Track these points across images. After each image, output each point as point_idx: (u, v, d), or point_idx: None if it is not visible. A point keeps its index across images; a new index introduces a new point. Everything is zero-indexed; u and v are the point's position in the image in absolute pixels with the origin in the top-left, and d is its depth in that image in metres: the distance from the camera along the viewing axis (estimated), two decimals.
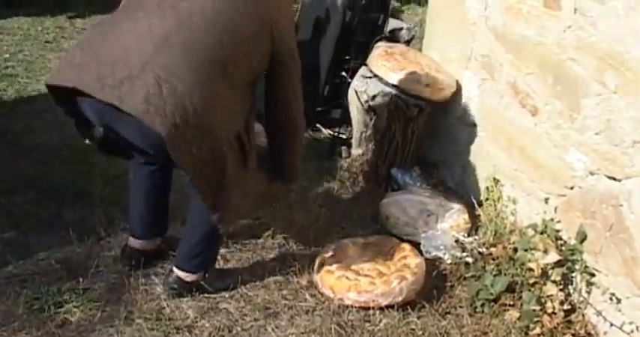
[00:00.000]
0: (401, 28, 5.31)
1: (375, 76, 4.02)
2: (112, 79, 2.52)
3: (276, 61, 2.85)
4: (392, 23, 5.17)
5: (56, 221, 3.67)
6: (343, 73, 4.60)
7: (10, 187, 3.93)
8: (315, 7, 4.63)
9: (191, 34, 2.60)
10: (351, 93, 4.17)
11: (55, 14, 6.58)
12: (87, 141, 2.90)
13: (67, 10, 6.66)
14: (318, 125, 4.78)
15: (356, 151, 4.27)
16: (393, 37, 5.03)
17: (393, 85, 3.95)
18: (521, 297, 3.15)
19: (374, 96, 4.00)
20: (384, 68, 4.00)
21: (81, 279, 3.22)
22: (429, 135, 4.31)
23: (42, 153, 4.31)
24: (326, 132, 4.74)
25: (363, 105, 4.07)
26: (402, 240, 3.54)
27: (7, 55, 5.67)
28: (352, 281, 3.18)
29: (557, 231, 3.26)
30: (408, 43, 5.11)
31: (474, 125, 4.02)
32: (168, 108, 2.49)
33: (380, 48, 4.18)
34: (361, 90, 4.06)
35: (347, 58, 4.61)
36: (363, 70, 4.16)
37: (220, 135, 2.64)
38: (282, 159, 3.11)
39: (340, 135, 4.60)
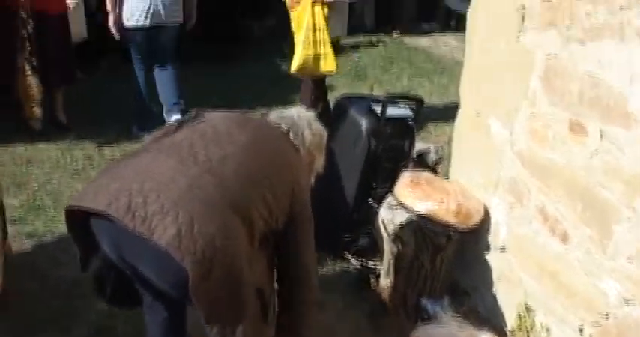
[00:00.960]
0: (428, 151, 5.30)
1: (402, 205, 3.97)
2: (143, 210, 2.49)
3: (292, 217, 2.90)
4: (418, 146, 5.17)
5: None
6: (370, 201, 4.56)
7: (35, 324, 3.89)
8: (339, 135, 4.64)
9: (222, 181, 2.63)
10: (378, 222, 4.12)
11: (85, 143, 6.66)
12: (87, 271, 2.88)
13: (96, 138, 6.75)
14: (345, 254, 4.70)
15: (384, 281, 4.18)
16: (421, 160, 5.02)
17: (420, 215, 3.89)
18: None
19: (401, 226, 3.94)
20: (411, 197, 3.95)
21: None
22: (458, 262, 4.21)
23: (67, 286, 4.28)
24: (354, 261, 4.65)
25: (390, 235, 4.00)
26: None
27: (36, 187, 5.71)
28: None
29: None
30: (436, 164, 5.09)
31: (504, 251, 3.92)
32: (198, 247, 2.45)
33: (406, 177, 4.15)
34: (388, 219, 4.00)
35: (374, 185, 4.58)
36: (389, 199, 4.12)
37: (244, 282, 2.59)
38: (296, 312, 3.05)
39: (368, 265, 4.51)
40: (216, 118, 2.97)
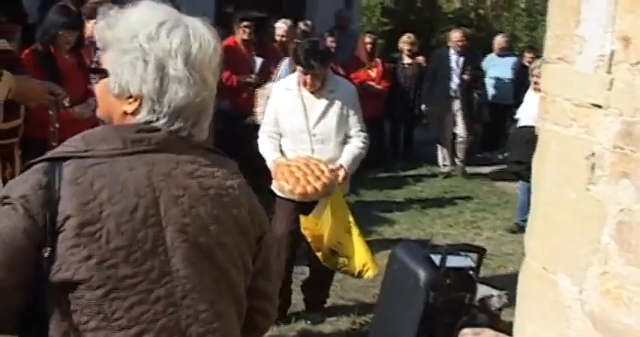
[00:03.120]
0: (491, 296, 4.99)
1: None
2: None
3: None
4: (480, 290, 4.86)
5: None
6: None
7: None
8: (393, 288, 4.37)
9: None
10: None
11: None
12: None
13: None
14: None
15: None
16: (483, 305, 4.71)
17: None
18: None
19: None
20: None
21: None
22: None
23: None
24: None
25: None
26: None
27: None
28: None
29: None
30: (499, 310, 4.77)
31: None
32: None
33: (465, 335, 3.82)
34: None
35: None
36: None
37: None
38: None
39: None
40: None
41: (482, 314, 5.24)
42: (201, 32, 2.10)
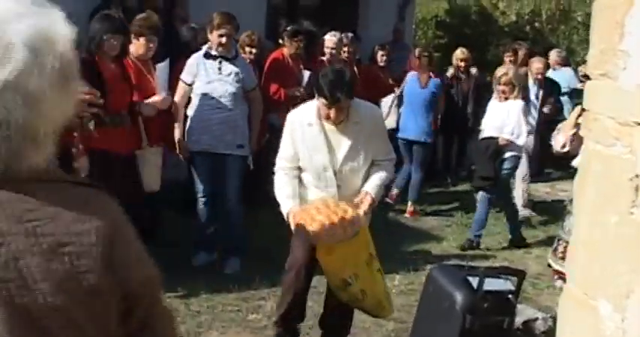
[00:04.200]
0: (536, 319, 4.81)
1: None
2: None
3: None
4: (525, 312, 4.69)
5: None
6: None
7: None
8: (427, 311, 4.22)
9: None
10: None
11: (174, 290, 6.25)
12: None
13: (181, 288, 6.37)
14: None
15: None
16: (527, 329, 4.53)
17: None
18: None
19: None
20: None
21: None
22: None
23: None
24: None
25: None
26: None
27: None
28: None
29: None
30: (543, 334, 4.59)
31: None
32: None
33: None
34: None
35: None
36: None
37: None
38: None
39: None
40: None
41: None
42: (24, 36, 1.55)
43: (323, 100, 4.72)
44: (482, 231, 8.13)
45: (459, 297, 3.99)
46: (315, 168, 4.97)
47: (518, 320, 4.96)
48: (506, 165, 7.96)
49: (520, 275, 4.08)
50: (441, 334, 4.08)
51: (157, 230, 7.07)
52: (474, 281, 4.02)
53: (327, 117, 4.79)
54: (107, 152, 6.13)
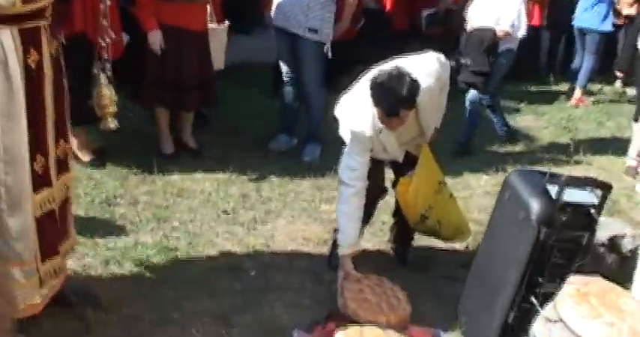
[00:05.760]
0: (624, 235, 4.43)
1: (562, 321, 3.13)
2: None
3: None
4: (612, 226, 4.30)
5: None
6: (533, 299, 3.73)
7: None
8: (503, 217, 3.88)
9: None
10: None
11: (244, 178, 6.10)
12: None
13: (257, 171, 6.22)
14: None
15: None
16: (612, 245, 4.17)
17: None
18: None
19: None
20: (573, 313, 3.09)
21: None
22: None
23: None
24: None
25: None
26: None
27: (177, 224, 5.21)
28: None
29: None
30: (631, 253, 4.23)
31: None
32: None
33: (573, 282, 3.30)
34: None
35: (539, 280, 3.75)
36: (547, 311, 3.28)
37: None
38: None
39: None
40: None
41: (612, 255, 4.68)
42: None
43: (381, 111, 4.19)
44: (470, 135, 7.39)
45: (535, 207, 3.61)
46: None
47: (604, 235, 4.58)
48: (502, 60, 7.11)
49: (605, 188, 3.65)
50: (513, 244, 3.73)
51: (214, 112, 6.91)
52: (554, 190, 3.63)
53: (385, 124, 4.26)
54: (179, 28, 5.93)
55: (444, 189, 4.65)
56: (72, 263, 4.35)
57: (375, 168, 4.53)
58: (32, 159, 3.42)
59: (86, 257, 4.58)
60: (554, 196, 3.62)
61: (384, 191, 4.84)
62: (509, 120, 7.93)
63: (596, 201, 3.65)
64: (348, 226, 4.41)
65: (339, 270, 4.44)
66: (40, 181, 3.50)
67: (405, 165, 4.64)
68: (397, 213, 4.93)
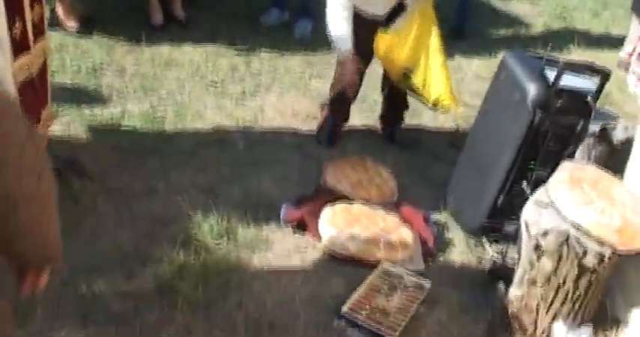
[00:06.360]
0: (615, 126, 4.38)
1: (552, 205, 3.12)
2: None
3: None
4: (605, 116, 4.25)
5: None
6: (524, 185, 3.73)
7: (89, 267, 3.38)
8: (497, 98, 3.81)
9: None
10: (522, 220, 3.30)
11: (232, 49, 5.94)
12: None
13: (248, 43, 6.05)
14: (484, 240, 3.94)
15: (515, 292, 3.36)
16: (603, 135, 4.13)
17: (572, 223, 3.02)
18: None
19: (545, 232, 3.09)
20: (565, 198, 3.08)
21: None
22: (613, 287, 3.35)
23: (148, 224, 3.76)
24: (490, 251, 3.87)
25: (530, 238, 3.18)
26: None
27: (165, 94, 5.10)
28: None
29: None
30: (622, 144, 4.19)
31: None
32: None
33: (566, 169, 3.28)
34: (532, 221, 3.17)
35: (531, 165, 3.73)
36: (539, 195, 3.26)
37: None
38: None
39: (506, 260, 3.71)
40: None
41: (602, 145, 4.65)
42: None
43: None
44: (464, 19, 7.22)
45: (531, 89, 3.53)
46: None
47: (594, 125, 4.54)
48: None
49: (604, 75, 3.58)
50: (506, 127, 3.68)
51: None
52: (551, 75, 3.56)
53: None
54: None
55: (437, 55, 4.40)
56: (57, 132, 4.28)
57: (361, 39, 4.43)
58: (12, 24, 3.28)
59: (71, 126, 4.49)
60: (551, 80, 3.55)
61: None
62: (504, 6, 7.75)
63: (593, 88, 3.59)
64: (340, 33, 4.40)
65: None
66: (20, 47, 3.38)
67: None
68: (385, 84, 4.87)
